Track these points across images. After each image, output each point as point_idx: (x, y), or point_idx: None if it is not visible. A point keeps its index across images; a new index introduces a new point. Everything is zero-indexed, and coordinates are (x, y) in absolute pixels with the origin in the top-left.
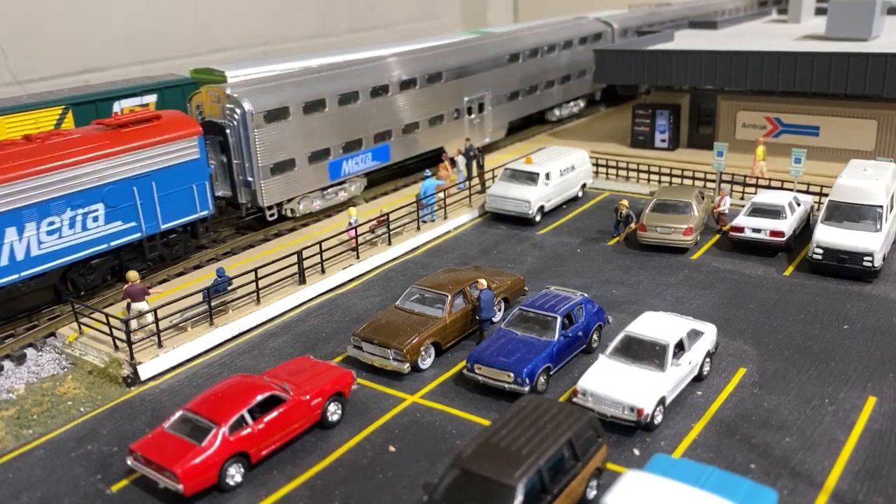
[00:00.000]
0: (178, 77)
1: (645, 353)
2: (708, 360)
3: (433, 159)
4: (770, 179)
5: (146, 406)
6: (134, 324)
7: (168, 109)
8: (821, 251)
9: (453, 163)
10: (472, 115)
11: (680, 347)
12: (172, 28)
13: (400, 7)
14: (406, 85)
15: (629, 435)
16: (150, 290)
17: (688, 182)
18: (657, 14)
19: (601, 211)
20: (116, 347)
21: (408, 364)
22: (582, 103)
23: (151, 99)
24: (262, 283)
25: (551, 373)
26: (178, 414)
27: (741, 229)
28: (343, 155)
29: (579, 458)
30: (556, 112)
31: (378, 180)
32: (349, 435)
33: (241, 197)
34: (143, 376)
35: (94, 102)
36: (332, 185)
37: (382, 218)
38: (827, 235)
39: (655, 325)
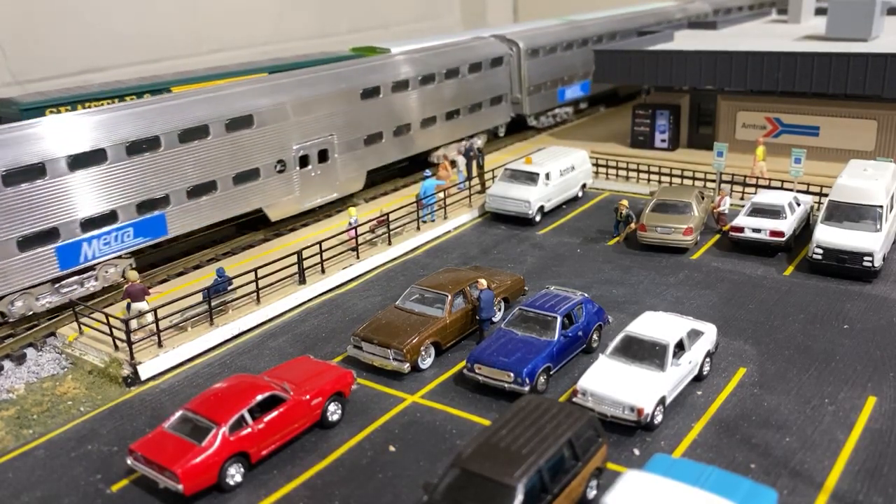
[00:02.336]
0: (342, 53)
1: (645, 352)
2: (708, 360)
3: (250, 223)
4: (770, 179)
5: (146, 406)
6: (134, 324)
7: None
8: (821, 251)
9: (453, 163)
10: (309, 166)
11: (680, 347)
12: (173, 28)
13: (400, 7)
14: (191, 135)
15: (629, 435)
16: (150, 290)
17: (688, 182)
18: (583, 28)
19: (601, 211)
20: (116, 347)
21: (408, 364)
22: (479, 141)
23: None
24: (262, 283)
25: (551, 373)
26: (178, 414)
27: (741, 229)
28: (83, 235)
29: (579, 457)
30: (442, 153)
31: (162, 258)
32: (349, 435)
33: None
34: (143, 376)
35: (290, 69)
36: (70, 275)
37: (382, 218)
38: (827, 235)
39: (655, 325)
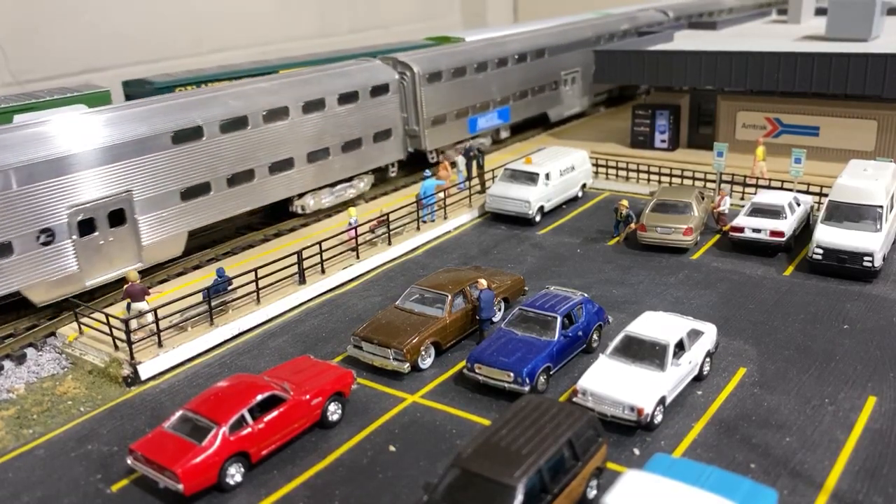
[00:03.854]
0: (418, 42)
1: (645, 352)
2: (708, 359)
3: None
4: (770, 179)
5: (146, 406)
6: (134, 323)
7: None
8: (821, 251)
9: (453, 163)
10: (95, 233)
11: (680, 347)
12: (173, 28)
13: (400, 7)
14: None
15: (629, 435)
16: (150, 290)
17: (688, 182)
18: (501, 46)
19: (601, 211)
20: (116, 347)
21: (408, 364)
22: (364, 183)
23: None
24: (262, 283)
25: (551, 373)
26: (179, 414)
27: (741, 229)
28: None
29: (579, 457)
30: (309, 201)
31: None
32: (349, 435)
33: None
34: (143, 376)
35: (372, 56)
36: None
37: (382, 218)
38: (827, 235)
39: (655, 325)
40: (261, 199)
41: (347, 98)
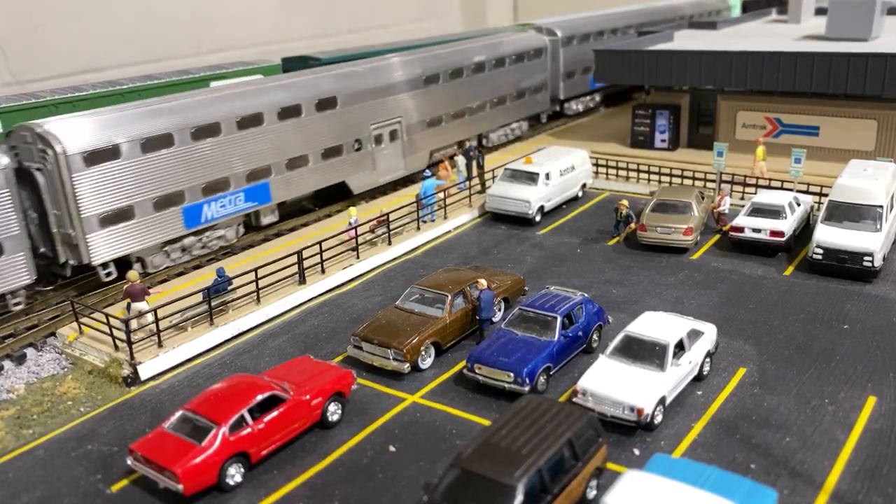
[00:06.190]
0: (502, 27)
1: (645, 352)
2: (708, 359)
3: None
4: (770, 179)
5: (146, 406)
6: (134, 324)
7: None
8: (821, 251)
9: (453, 163)
10: None
11: (680, 347)
12: (173, 28)
13: (400, 7)
14: None
15: (629, 435)
16: (150, 290)
17: (688, 182)
18: (253, 98)
19: (601, 211)
20: (116, 347)
21: (408, 364)
22: (15, 304)
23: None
24: (262, 283)
25: (551, 373)
26: (178, 414)
27: (741, 229)
28: None
29: (579, 457)
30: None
31: None
32: (349, 435)
33: None
34: (143, 376)
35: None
36: None
37: (382, 218)
38: (827, 235)
39: (655, 325)
40: None
41: None
